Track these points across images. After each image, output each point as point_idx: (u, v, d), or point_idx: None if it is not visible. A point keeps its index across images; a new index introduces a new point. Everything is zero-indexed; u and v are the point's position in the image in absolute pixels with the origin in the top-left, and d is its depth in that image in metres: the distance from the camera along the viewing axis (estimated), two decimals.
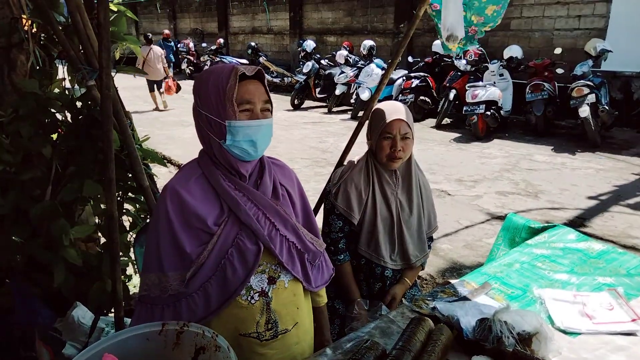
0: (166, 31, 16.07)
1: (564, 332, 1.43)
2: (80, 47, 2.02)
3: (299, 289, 1.45)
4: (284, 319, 1.39)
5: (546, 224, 2.25)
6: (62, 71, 2.34)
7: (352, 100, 9.83)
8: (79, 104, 2.22)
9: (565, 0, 8.31)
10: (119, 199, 2.29)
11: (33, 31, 2.12)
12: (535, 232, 2.21)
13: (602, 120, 6.91)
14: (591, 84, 6.70)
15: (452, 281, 1.75)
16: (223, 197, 1.33)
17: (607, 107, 6.73)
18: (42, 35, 2.21)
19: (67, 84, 2.32)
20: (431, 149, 7.25)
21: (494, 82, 7.93)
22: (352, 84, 9.88)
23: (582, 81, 6.78)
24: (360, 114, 9.65)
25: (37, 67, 2.16)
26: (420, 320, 1.35)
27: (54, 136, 2.21)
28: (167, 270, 1.29)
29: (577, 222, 4.41)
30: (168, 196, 1.33)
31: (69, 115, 2.25)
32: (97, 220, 2.43)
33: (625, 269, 1.81)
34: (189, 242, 1.30)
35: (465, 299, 1.59)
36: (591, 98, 6.62)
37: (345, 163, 2.13)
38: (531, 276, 1.77)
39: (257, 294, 1.34)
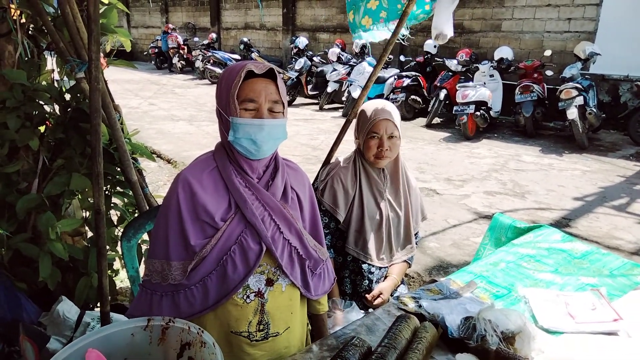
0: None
1: (547, 331, 1.45)
2: (70, 39, 2.00)
3: (295, 294, 1.46)
4: (277, 322, 1.40)
5: (532, 224, 2.28)
6: (51, 63, 2.31)
7: (344, 98, 9.82)
8: (67, 96, 2.20)
9: (556, 2, 8.38)
10: (106, 193, 2.27)
11: (22, 21, 2.09)
12: (521, 232, 2.23)
13: (589, 122, 6.99)
14: (580, 86, 6.77)
15: (439, 280, 1.77)
16: (233, 193, 1.34)
17: (594, 110, 6.80)
18: (31, 25, 2.18)
19: (56, 76, 2.30)
20: (421, 148, 7.28)
21: (484, 83, 7.97)
22: (344, 82, 9.86)
23: (570, 83, 6.85)
24: None
25: (26, 58, 2.14)
26: (406, 318, 1.36)
27: (42, 128, 2.19)
28: (172, 259, 1.31)
29: (563, 223, 4.46)
30: (180, 185, 1.34)
31: (57, 108, 2.22)
32: (84, 214, 2.41)
33: (609, 270, 1.84)
34: (195, 234, 1.31)
35: (450, 297, 1.60)
36: (579, 100, 6.69)
37: (332, 161, 2.14)
38: (516, 275, 1.79)
39: (254, 294, 1.35)
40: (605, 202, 5.01)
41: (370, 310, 1.93)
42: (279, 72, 1.39)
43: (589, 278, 1.76)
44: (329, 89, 10.11)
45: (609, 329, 1.46)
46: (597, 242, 4.04)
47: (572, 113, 6.68)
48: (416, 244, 2.13)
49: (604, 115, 7.17)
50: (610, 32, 7.77)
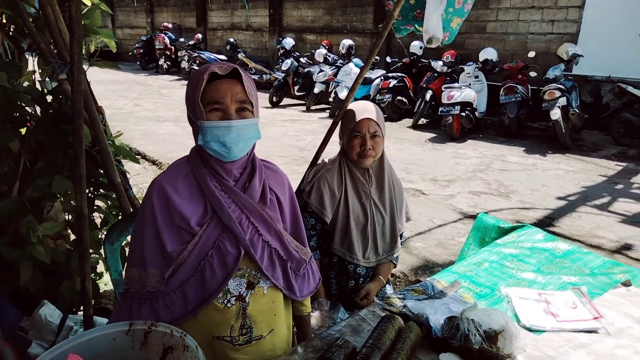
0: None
1: (529, 329, 1.47)
2: (51, 40, 1.97)
3: (278, 296, 1.44)
4: (259, 325, 1.38)
5: (515, 224, 2.30)
6: (32, 64, 2.28)
7: (331, 99, 9.84)
8: (49, 97, 2.18)
9: (539, 4, 8.50)
10: (90, 195, 2.25)
11: (2, 22, 2.06)
12: (505, 232, 2.26)
13: (572, 123, 7.09)
14: (563, 87, 6.87)
15: (423, 280, 1.78)
16: (208, 197, 1.32)
17: (577, 110, 6.91)
18: (12, 26, 2.15)
19: (38, 77, 2.27)
20: (407, 148, 7.32)
21: (469, 84, 8.05)
22: (331, 83, 9.89)
23: (554, 84, 6.95)
24: None
25: (6, 60, 2.11)
26: (390, 318, 1.37)
27: (23, 130, 2.16)
28: (149, 267, 1.29)
29: (546, 222, 4.52)
30: (154, 192, 1.32)
31: (38, 109, 2.19)
32: (67, 217, 2.39)
33: (589, 269, 1.87)
34: (171, 240, 1.29)
35: (435, 297, 1.61)
36: (562, 101, 6.79)
37: (319, 162, 2.14)
38: (499, 275, 1.81)
39: (234, 298, 1.33)
40: (588, 201, 5.09)
41: (356, 311, 1.94)
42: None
43: (570, 277, 1.79)
44: (316, 90, 10.13)
45: (589, 327, 1.48)
46: (580, 240, 4.10)
47: (556, 114, 6.78)
48: (401, 244, 2.15)
49: (587, 115, 7.29)
50: (593, 34, 7.90)
